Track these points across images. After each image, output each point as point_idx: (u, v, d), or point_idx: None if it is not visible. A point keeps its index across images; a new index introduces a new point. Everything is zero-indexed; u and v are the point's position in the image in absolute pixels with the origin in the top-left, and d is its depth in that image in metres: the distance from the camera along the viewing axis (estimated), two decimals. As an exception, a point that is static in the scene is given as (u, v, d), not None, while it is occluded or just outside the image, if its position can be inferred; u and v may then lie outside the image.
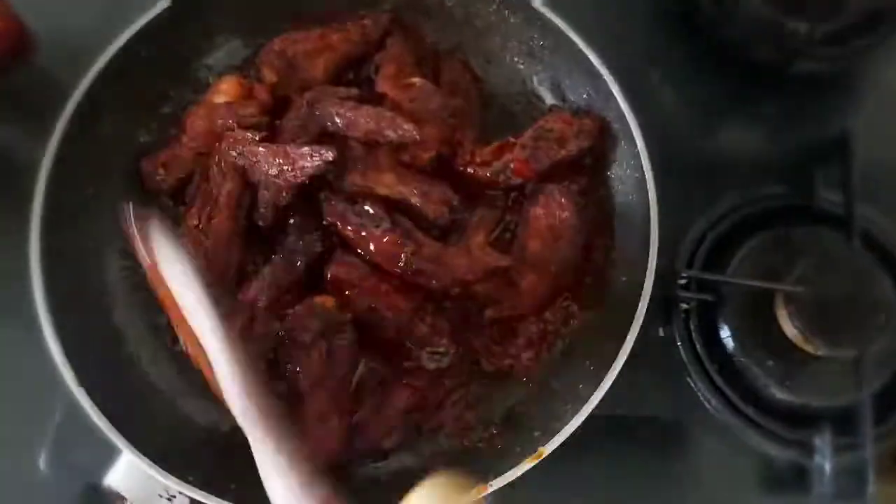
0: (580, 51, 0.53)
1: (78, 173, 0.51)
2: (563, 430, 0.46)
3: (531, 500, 0.52)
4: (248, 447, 0.39)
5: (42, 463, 0.52)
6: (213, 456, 0.49)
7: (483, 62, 0.60)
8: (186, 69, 0.57)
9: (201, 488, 0.44)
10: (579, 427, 0.46)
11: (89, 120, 0.51)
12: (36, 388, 0.52)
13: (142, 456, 0.44)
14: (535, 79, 0.59)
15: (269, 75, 0.56)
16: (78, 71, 0.51)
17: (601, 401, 0.46)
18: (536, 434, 0.48)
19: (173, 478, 0.44)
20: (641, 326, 0.48)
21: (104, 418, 0.45)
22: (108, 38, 0.52)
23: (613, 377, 0.47)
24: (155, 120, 0.56)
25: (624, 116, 0.52)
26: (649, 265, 0.49)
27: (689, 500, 0.56)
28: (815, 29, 0.64)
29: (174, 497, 0.45)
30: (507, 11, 0.57)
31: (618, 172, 0.55)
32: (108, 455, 0.50)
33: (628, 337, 0.47)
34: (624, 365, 0.47)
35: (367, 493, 0.48)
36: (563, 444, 0.46)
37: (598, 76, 0.53)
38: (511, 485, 0.45)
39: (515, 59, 0.59)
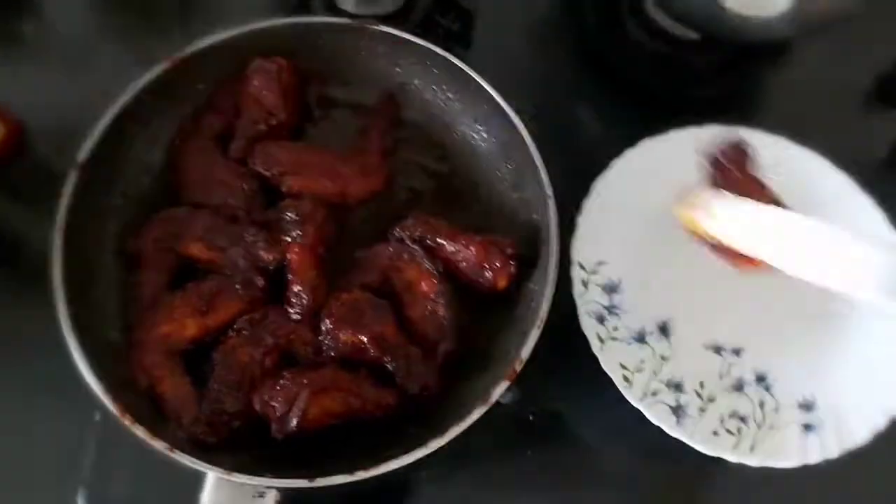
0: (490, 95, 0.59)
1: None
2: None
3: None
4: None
5: (80, 501, 0.57)
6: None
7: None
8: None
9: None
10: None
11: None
12: (67, 428, 0.58)
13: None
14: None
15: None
16: (68, 154, 0.55)
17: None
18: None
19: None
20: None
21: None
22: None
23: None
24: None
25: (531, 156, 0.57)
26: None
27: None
28: (706, 60, 0.75)
29: (263, 494, 0.47)
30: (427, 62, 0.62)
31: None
32: (144, 485, 0.57)
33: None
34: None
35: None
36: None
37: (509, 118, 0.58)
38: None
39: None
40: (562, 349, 0.61)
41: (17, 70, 0.72)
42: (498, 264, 0.55)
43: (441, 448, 0.59)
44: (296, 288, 0.54)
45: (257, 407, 0.51)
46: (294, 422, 0.50)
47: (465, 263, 0.56)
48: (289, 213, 0.55)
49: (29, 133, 0.68)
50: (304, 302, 0.54)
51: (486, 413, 0.60)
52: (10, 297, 0.63)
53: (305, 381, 0.51)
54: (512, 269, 0.55)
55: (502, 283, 0.55)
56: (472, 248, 0.55)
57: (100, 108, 0.57)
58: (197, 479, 0.49)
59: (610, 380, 0.56)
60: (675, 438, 0.56)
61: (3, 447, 0.59)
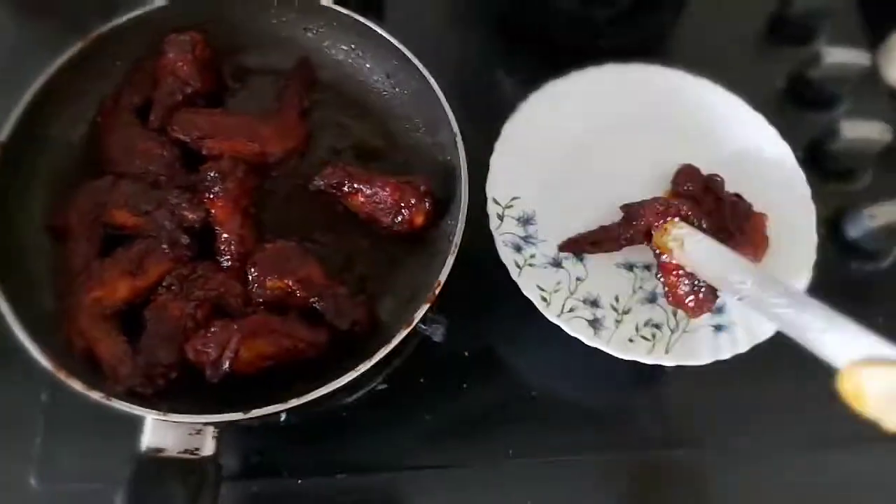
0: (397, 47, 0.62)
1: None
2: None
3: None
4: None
5: (33, 480, 0.59)
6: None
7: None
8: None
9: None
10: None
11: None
12: (15, 410, 0.61)
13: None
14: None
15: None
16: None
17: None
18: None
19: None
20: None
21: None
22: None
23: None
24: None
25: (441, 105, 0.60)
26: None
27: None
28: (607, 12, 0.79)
29: (200, 431, 0.49)
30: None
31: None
32: (94, 461, 0.59)
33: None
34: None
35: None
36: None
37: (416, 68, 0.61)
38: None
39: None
40: (486, 289, 0.65)
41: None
42: (413, 201, 0.58)
43: (381, 385, 0.62)
44: (224, 236, 0.56)
45: (191, 356, 0.53)
46: (227, 364, 0.52)
47: (382, 205, 0.58)
48: (210, 173, 0.57)
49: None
50: (233, 249, 0.56)
51: (424, 353, 0.64)
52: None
53: (236, 326, 0.53)
54: (427, 205, 0.58)
55: (419, 219, 0.58)
56: (387, 189, 0.58)
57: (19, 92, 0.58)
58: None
59: (534, 311, 0.59)
60: (602, 362, 0.59)
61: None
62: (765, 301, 0.51)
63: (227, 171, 0.57)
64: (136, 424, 0.50)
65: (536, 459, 0.63)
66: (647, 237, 0.60)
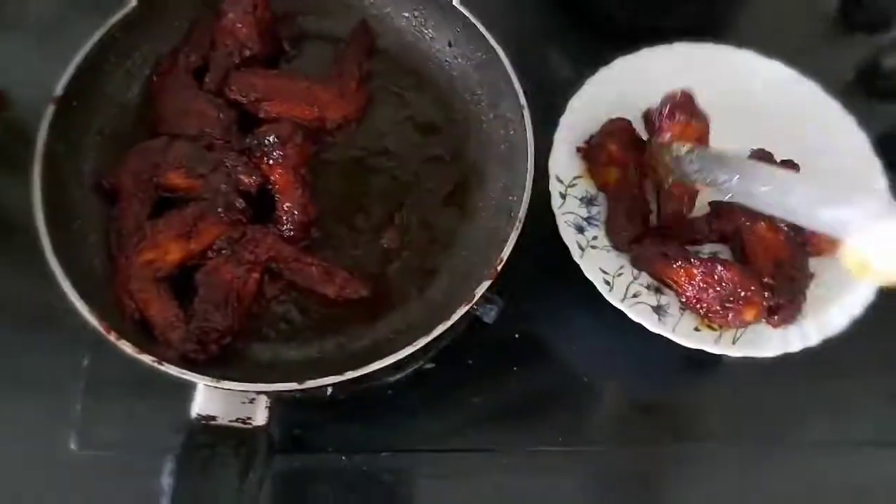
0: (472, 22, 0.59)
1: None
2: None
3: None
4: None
5: (73, 444, 0.58)
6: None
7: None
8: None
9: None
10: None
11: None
12: (57, 374, 0.60)
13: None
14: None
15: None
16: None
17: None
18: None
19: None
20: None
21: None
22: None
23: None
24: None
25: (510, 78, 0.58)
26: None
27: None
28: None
29: (253, 400, 0.48)
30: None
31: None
32: (136, 428, 0.58)
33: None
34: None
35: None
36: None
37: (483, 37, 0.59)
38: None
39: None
40: (541, 270, 0.63)
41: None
42: None
43: (428, 364, 0.60)
44: (285, 205, 0.55)
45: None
46: None
47: None
48: (268, 137, 0.56)
49: (6, 99, 0.68)
50: (296, 218, 0.55)
51: (473, 334, 0.62)
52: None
53: None
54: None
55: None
56: None
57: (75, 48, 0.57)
58: (187, 410, 0.48)
59: (590, 294, 0.57)
60: (658, 351, 0.57)
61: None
62: (754, 193, 0.50)
63: (286, 135, 0.55)
64: (177, 392, 0.48)
65: (588, 448, 0.61)
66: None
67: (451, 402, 0.62)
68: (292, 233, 0.55)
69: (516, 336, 0.63)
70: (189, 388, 0.48)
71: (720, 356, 0.56)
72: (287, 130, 0.55)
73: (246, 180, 0.55)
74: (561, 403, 0.62)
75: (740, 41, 0.69)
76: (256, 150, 0.56)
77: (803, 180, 0.49)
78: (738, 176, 0.51)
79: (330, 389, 0.54)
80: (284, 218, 0.55)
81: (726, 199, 0.53)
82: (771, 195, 0.49)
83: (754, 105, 0.64)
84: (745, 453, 0.61)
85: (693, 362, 0.61)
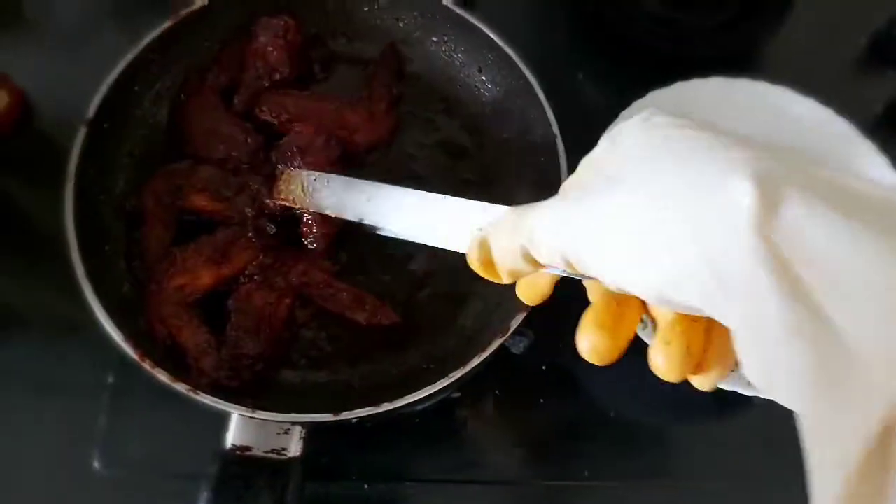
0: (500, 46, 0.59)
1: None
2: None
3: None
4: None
5: (96, 463, 0.57)
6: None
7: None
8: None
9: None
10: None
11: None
12: (82, 391, 0.59)
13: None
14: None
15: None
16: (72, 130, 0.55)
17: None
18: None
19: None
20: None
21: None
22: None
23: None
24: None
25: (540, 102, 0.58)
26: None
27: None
28: (706, 19, 0.76)
29: (289, 430, 0.47)
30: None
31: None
32: (160, 450, 0.57)
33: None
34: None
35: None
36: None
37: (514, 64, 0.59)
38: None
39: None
40: (571, 302, 0.62)
41: (18, 50, 0.72)
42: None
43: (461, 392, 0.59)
44: (306, 217, 0.54)
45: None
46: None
47: None
48: (290, 148, 0.55)
49: (33, 109, 0.68)
50: (315, 230, 0.54)
51: (501, 363, 0.61)
52: (23, 265, 0.63)
53: None
54: None
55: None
56: None
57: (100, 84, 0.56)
58: (214, 435, 0.48)
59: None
60: (688, 389, 0.56)
61: (18, 413, 0.59)
62: (350, 205, 0.50)
63: (305, 144, 0.55)
64: (206, 412, 0.48)
65: (614, 483, 0.60)
66: None
67: (476, 433, 0.61)
68: (315, 245, 0.54)
69: (543, 368, 0.62)
70: (208, 409, 0.47)
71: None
72: (306, 140, 0.55)
73: (271, 203, 0.55)
74: (587, 437, 0.61)
75: (772, 72, 0.68)
76: (278, 160, 0.56)
77: (397, 189, 0.47)
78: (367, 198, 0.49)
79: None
80: (306, 231, 0.55)
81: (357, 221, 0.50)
82: (372, 208, 0.48)
83: (787, 143, 0.64)
84: (775, 492, 0.59)
85: (725, 399, 0.60)
